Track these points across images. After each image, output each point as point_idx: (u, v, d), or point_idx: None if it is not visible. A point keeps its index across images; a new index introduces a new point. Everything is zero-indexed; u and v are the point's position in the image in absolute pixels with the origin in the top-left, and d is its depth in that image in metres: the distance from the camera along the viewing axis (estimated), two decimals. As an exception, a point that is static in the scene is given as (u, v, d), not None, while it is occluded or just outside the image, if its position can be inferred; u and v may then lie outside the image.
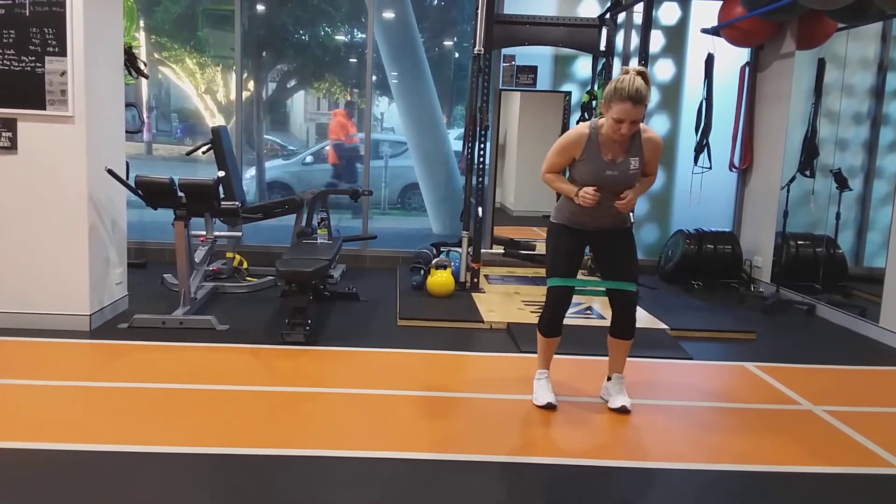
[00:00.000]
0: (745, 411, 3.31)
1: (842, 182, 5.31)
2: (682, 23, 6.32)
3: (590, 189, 2.97)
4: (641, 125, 3.01)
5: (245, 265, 5.60)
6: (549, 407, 3.18)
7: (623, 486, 2.54)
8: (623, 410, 3.18)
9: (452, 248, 5.69)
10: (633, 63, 5.99)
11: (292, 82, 7.71)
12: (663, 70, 6.37)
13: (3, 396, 3.08)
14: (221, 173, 4.84)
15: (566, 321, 4.48)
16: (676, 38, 6.34)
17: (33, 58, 3.79)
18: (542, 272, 6.09)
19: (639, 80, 2.85)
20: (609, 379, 3.34)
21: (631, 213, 3.27)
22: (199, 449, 2.65)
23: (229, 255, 5.63)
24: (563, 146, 3.06)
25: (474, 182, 5.28)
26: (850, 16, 5.00)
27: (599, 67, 5.99)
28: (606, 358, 3.94)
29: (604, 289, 3.24)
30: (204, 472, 2.50)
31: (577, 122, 6.05)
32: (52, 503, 2.26)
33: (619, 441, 2.91)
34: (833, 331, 4.89)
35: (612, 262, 3.20)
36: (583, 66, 6.31)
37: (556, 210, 3.22)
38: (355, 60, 7.24)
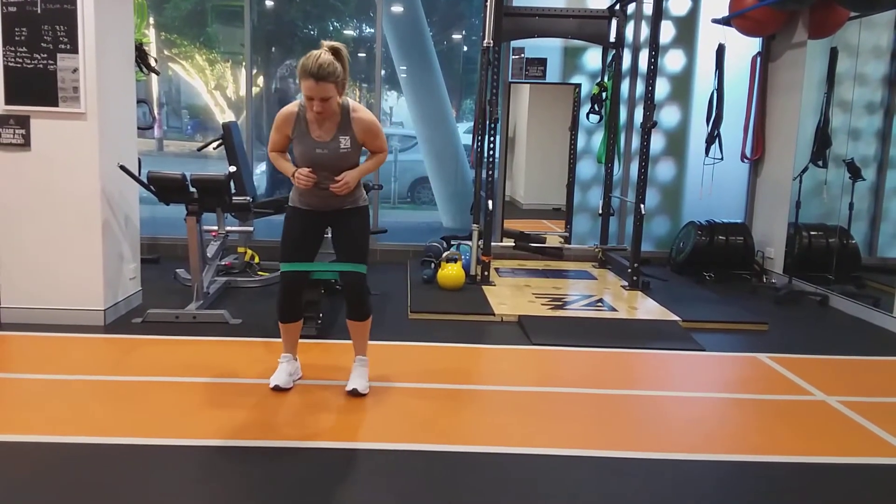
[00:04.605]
0: (759, 402, 3.30)
1: (855, 172, 5.27)
2: (693, 13, 6.28)
3: (304, 171, 2.93)
4: (352, 104, 2.98)
5: (257, 260, 5.63)
6: (277, 389, 3.15)
7: (639, 478, 2.54)
8: (354, 394, 3.12)
9: (463, 242, 5.69)
10: (644, 55, 5.96)
11: (301, 77, 7.70)
12: (674, 61, 6.33)
13: (20, 391, 3.11)
14: (233, 168, 4.87)
15: (578, 313, 4.52)
16: (687, 29, 6.30)
17: (45, 55, 3.81)
18: (553, 265, 6.13)
19: (325, 57, 2.77)
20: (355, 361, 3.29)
21: (364, 192, 3.19)
22: (213, 441, 2.67)
23: (241, 249, 5.66)
24: (276, 124, 3.02)
25: (484, 175, 5.28)
26: (863, 4, 4.95)
27: (609, 59, 5.96)
28: (619, 350, 3.96)
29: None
30: (218, 465, 2.51)
31: (587, 115, 6.07)
32: (69, 496, 2.29)
33: (632, 432, 2.91)
34: (846, 321, 4.86)
35: (341, 243, 3.13)
36: (593, 57, 6.28)
37: (291, 192, 3.15)
38: (364, 55, 7.23)
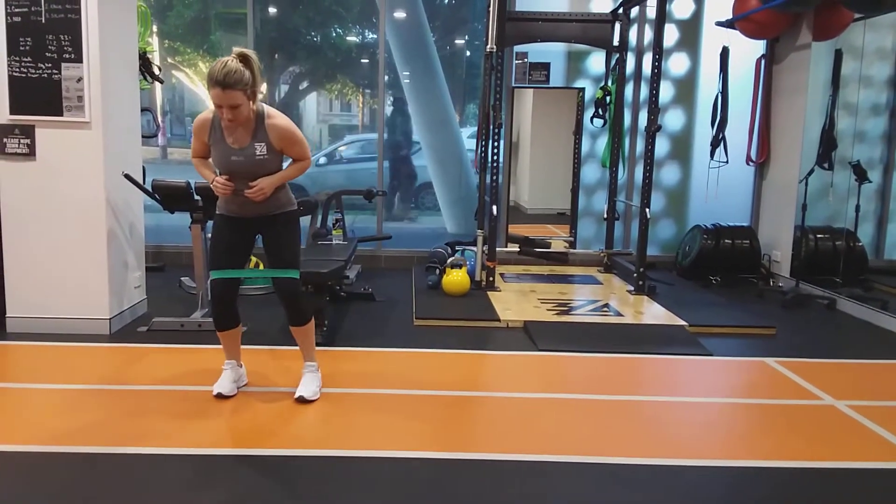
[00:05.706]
0: (767, 407, 3.28)
1: (861, 174, 5.25)
2: (697, 16, 6.26)
3: (220, 178, 2.92)
4: (268, 110, 2.94)
5: (261, 267, 5.62)
6: (220, 397, 3.14)
7: (647, 484, 2.52)
8: (300, 400, 3.12)
9: (467, 247, 5.68)
10: (648, 58, 5.95)
11: (304, 84, 7.73)
12: (678, 64, 6.32)
13: (25, 400, 3.11)
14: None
15: (584, 318, 4.51)
16: (691, 32, 6.29)
17: (50, 65, 3.82)
18: (558, 269, 6.11)
19: (231, 64, 2.72)
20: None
21: (293, 196, 3.15)
22: (217, 450, 2.66)
23: (245, 257, 5.65)
24: (194, 130, 2.99)
25: (488, 180, 5.27)
26: (867, 6, 4.94)
27: (613, 63, 5.95)
28: (625, 355, 3.94)
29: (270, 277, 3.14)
30: (221, 474, 2.50)
31: (591, 119, 6.06)
32: (76, 506, 2.28)
33: (640, 438, 2.89)
34: (854, 325, 4.83)
35: (270, 249, 3.11)
36: (596, 61, 6.27)
37: (218, 200, 3.12)
38: (367, 61, 7.24)
